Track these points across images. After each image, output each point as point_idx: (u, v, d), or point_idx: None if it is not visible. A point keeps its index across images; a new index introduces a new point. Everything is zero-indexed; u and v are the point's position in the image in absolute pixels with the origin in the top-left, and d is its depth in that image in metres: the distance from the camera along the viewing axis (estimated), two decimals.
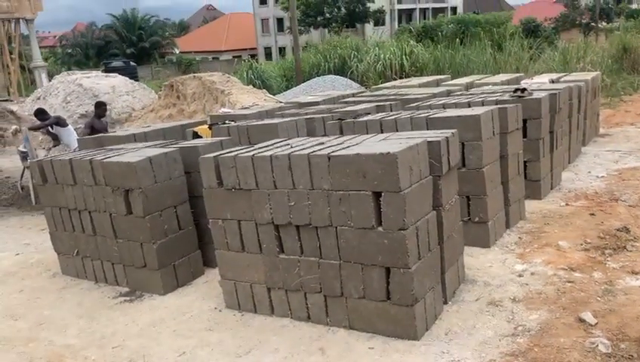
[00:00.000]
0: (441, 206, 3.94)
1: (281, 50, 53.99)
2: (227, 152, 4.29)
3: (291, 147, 4.13)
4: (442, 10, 55.37)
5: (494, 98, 6.53)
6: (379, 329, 3.74)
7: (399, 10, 53.87)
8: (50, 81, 22.30)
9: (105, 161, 4.91)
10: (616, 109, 13.58)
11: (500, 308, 3.94)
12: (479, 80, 11.21)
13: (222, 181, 4.21)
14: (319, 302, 3.97)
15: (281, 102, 13.94)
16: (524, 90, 6.61)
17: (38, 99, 17.10)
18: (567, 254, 4.74)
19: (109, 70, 23.99)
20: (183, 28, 75.30)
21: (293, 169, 3.83)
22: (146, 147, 5.55)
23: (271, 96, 14.59)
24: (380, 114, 5.92)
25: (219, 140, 5.56)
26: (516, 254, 4.87)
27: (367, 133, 5.20)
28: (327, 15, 44.32)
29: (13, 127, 12.10)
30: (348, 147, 3.86)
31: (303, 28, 46.45)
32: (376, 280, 3.66)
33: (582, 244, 4.93)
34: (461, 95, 8.05)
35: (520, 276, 4.41)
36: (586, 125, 9.68)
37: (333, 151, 3.70)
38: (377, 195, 3.53)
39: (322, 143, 4.18)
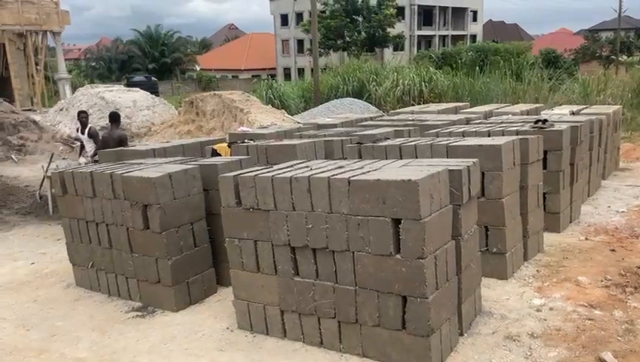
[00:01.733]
0: (460, 235, 3.90)
1: (300, 72, 54.54)
2: (246, 172, 4.30)
3: (311, 169, 4.13)
4: (462, 37, 55.64)
5: (515, 128, 6.49)
6: (393, 359, 3.67)
7: (419, 36, 54.23)
8: (73, 92, 22.78)
9: (125, 175, 4.95)
10: (637, 143, 13.43)
11: (518, 343, 3.85)
12: (498, 109, 11.19)
13: (240, 200, 4.21)
14: (333, 328, 3.92)
15: (299, 122, 14.03)
16: (545, 121, 6.57)
17: (61, 110, 17.45)
18: (586, 290, 4.64)
19: (131, 84, 24.45)
20: (204, 45, 76.54)
21: (312, 191, 3.82)
22: (165, 163, 5.59)
23: (289, 116, 14.70)
24: (399, 139, 5.91)
25: (238, 159, 5.59)
26: (534, 288, 4.78)
27: (387, 158, 5.21)
28: (348, 39, 44.76)
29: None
30: (368, 172, 3.85)
31: (322, 50, 46.92)
32: (392, 308, 3.61)
33: (602, 281, 4.83)
34: (480, 124, 8.03)
35: (538, 311, 4.32)
36: (606, 159, 9.57)
37: (353, 176, 3.69)
38: (397, 222, 3.51)
39: (342, 167, 4.18)
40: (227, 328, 4.50)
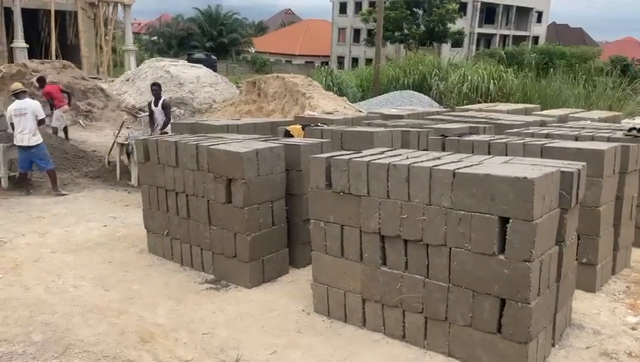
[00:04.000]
0: (564, 241, 3.69)
1: (354, 61, 54.12)
2: (339, 155, 4.21)
3: (407, 158, 4.00)
4: (523, 38, 53.83)
5: (606, 135, 6.15)
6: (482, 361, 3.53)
7: (479, 34, 52.82)
8: (137, 65, 23.33)
9: (211, 147, 4.95)
10: None
11: (616, 360, 3.63)
12: (573, 114, 10.71)
13: (331, 183, 4.13)
14: (418, 323, 3.80)
15: (361, 110, 13.88)
16: (639, 130, 6.19)
17: (127, 80, 17.86)
18: None
19: (191, 61, 24.74)
20: (261, 29, 77.00)
21: (411, 181, 3.69)
22: (247, 139, 5.57)
23: (350, 104, 14.55)
24: (486, 135, 5.69)
25: (319, 142, 5.51)
26: (626, 304, 4.52)
27: (473, 153, 5.00)
28: (406, 31, 44.03)
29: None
30: (470, 166, 3.68)
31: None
32: (487, 310, 3.46)
33: None
34: (560, 127, 7.66)
35: (633, 329, 4.08)
36: None
37: (457, 168, 3.54)
38: (503, 221, 3.34)
39: (439, 158, 4.03)
40: (302, 310, 4.45)
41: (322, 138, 6.42)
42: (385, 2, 43.48)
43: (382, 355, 3.74)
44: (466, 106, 11.95)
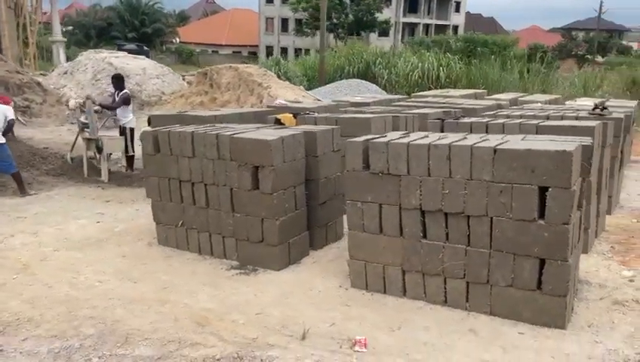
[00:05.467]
0: (582, 206, 4.20)
1: (283, 50, 54.07)
2: (376, 138, 4.48)
3: (439, 138, 4.35)
4: (445, 27, 56.30)
5: (573, 114, 6.84)
6: (523, 317, 3.96)
7: (403, 24, 54.58)
8: (67, 56, 22.12)
9: (235, 136, 5.04)
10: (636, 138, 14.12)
11: (628, 307, 4.21)
12: (521, 97, 11.61)
13: (368, 165, 4.40)
14: (460, 288, 4.18)
15: (319, 99, 14.15)
16: (603, 108, 6.95)
17: (65, 73, 16.96)
18: None
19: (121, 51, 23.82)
20: (182, 18, 74.73)
21: (452, 158, 4.04)
22: (260, 128, 5.70)
23: (308, 93, 14.78)
24: (483, 118, 6.17)
25: (330, 128, 5.74)
26: (618, 261, 5.17)
27: (472, 134, 5.44)
28: (335, 20, 44.66)
29: (72, 100, 11.99)
30: (502, 143, 4.08)
31: (309, 30, 46.76)
32: (528, 270, 3.89)
33: None
34: (524, 110, 8.34)
35: (631, 281, 4.70)
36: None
37: (498, 145, 3.93)
38: (542, 190, 3.77)
39: (465, 138, 4.41)
40: (340, 286, 4.71)
41: (316, 124, 6.65)
42: None
43: (431, 318, 4.09)
44: (421, 93, 12.56)
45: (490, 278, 4.05)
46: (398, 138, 4.41)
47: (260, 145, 4.88)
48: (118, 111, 9.71)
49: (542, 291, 3.87)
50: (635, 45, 68.88)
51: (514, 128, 5.50)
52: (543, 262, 3.85)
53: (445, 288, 4.25)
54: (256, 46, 58.26)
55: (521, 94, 12.61)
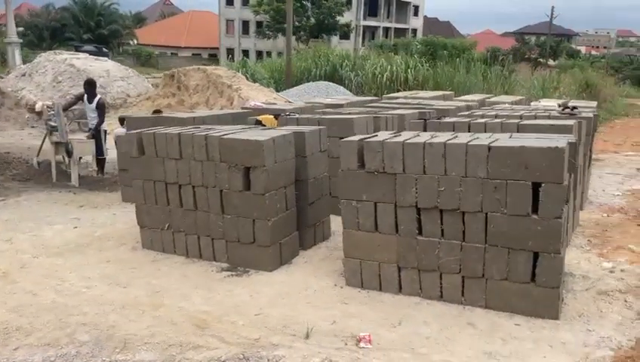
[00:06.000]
0: (568, 200, 4.38)
1: (245, 53, 53.69)
2: (370, 137, 4.53)
3: (432, 137, 4.44)
4: (404, 30, 57.28)
5: (545, 114, 7.11)
6: (517, 309, 4.09)
7: (364, 27, 55.17)
8: (22, 59, 21.30)
9: (225, 137, 5.00)
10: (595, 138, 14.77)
11: (612, 297, 4.41)
12: (488, 98, 11.94)
13: (363, 164, 4.45)
14: (456, 282, 4.28)
15: (290, 101, 14.13)
16: (574, 108, 7.25)
17: (24, 75, 16.34)
18: None
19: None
20: (139, 20, 73.19)
21: (447, 156, 4.14)
22: (245, 129, 5.67)
23: (278, 94, 14.74)
24: (465, 117, 6.32)
25: (317, 129, 5.77)
26: (596, 254, 5.40)
27: (461, 133, 5.59)
28: (297, 23, 44.72)
29: (40, 103, 11.55)
30: (493, 141, 4.21)
31: (271, 33, 46.65)
32: (522, 263, 4.02)
33: None
34: (492, 109, 8.55)
35: (611, 272, 4.92)
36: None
37: (492, 143, 4.05)
38: (535, 186, 3.91)
39: (456, 137, 4.52)
40: (335, 285, 4.73)
41: (298, 125, 6.66)
42: None
43: (429, 313, 4.17)
44: (392, 95, 12.74)
45: (485, 272, 4.16)
46: (392, 137, 4.48)
47: (252, 145, 4.86)
48: (91, 114, 9.43)
49: (536, 283, 4.01)
50: (582, 49, 72.15)
51: (496, 127, 5.67)
52: (536, 256, 3.99)
53: (441, 283, 4.34)
54: (217, 48, 57.66)
55: (487, 95, 12.98)
